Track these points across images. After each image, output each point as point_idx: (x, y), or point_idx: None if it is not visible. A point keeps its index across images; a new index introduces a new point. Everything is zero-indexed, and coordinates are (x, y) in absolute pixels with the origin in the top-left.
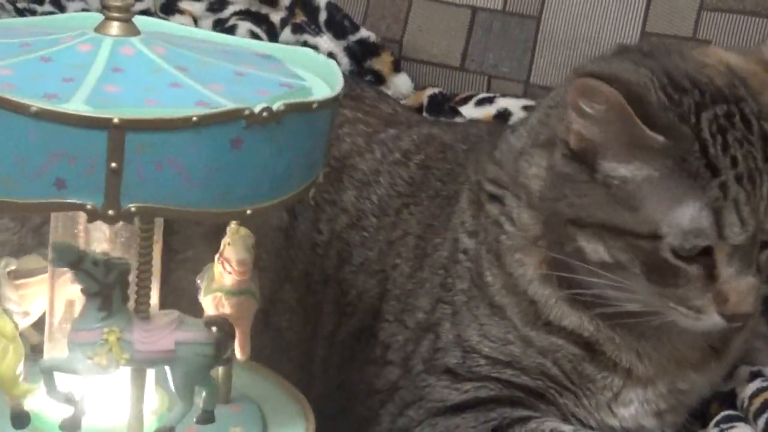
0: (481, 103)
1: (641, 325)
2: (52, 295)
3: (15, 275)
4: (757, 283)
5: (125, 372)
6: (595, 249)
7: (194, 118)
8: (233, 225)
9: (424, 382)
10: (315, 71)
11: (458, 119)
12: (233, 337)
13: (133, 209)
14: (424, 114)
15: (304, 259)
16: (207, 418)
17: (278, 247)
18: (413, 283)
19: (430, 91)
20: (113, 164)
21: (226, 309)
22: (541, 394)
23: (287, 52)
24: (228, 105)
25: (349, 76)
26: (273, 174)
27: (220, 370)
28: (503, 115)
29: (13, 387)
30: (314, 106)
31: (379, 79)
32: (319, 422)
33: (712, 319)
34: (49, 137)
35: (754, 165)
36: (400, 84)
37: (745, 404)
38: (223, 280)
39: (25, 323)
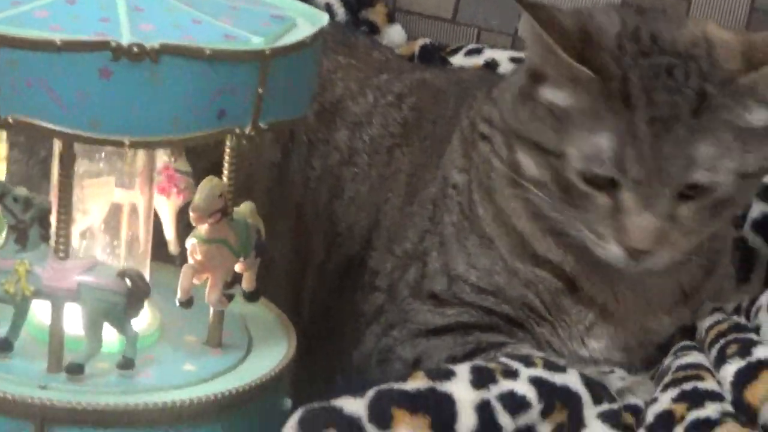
0: (470, 53)
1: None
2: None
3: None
4: (660, 225)
5: None
6: (528, 165)
7: (58, 42)
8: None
9: (409, 306)
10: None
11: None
12: (147, 293)
13: (10, 120)
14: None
15: (296, 193)
16: (125, 364)
17: (271, 181)
18: (403, 216)
19: (421, 42)
20: None
21: (197, 255)
22: (520, 323)
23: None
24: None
25: (344, 26)
26: (154, 111)
27: (211, 316)
28: (491, 65)
29: None
30: (207, 52)
31: (374, 30)
32: (308, 344)
33: (613, 250)
34: None
35: (675, 114)
36: (394, 34)
37: (702, 335)
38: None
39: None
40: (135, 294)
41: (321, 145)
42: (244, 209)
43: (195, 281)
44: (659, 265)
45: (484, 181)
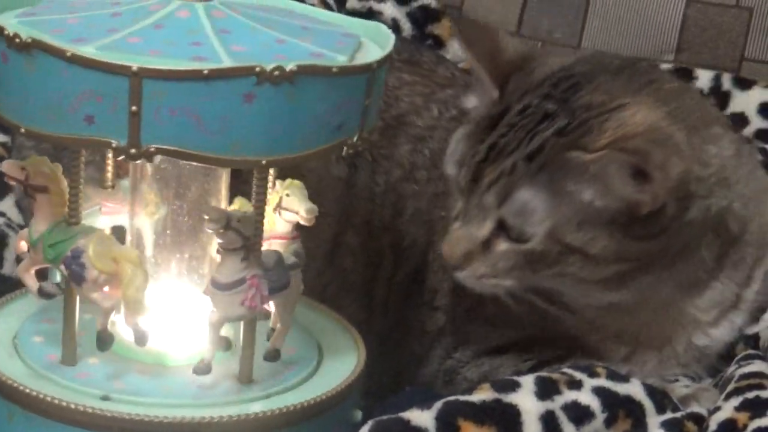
0: None
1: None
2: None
3: None
4: (467, 244)
5: None
6: None
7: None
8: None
9: (467, 327)
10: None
11: None
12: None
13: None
14: None
15: (364, 207)
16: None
17: (339, 195)
18: None
19: None
20: (133, 107)
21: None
22: (574, 336)
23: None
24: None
25: (410, 42)
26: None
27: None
28: None
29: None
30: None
31: (439, 44)
32: (378, 356)
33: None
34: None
35: (513, 150)
36: (459, 48)
37: (765, 344)
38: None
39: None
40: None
41: (384, 161)
42: (105, 243)
43: None
44: (472, 285)
45: None
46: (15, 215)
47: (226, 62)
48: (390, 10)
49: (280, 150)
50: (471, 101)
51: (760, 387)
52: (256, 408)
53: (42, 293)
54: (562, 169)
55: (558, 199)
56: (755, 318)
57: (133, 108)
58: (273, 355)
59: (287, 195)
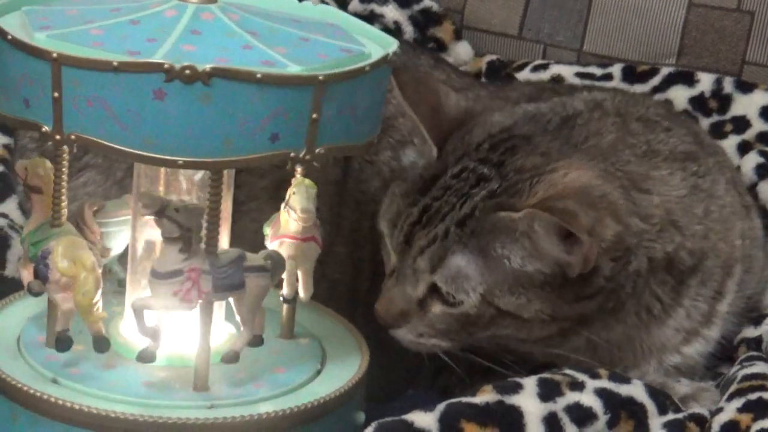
0: (536, 69)
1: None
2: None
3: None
4: (402, 304)
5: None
6: None
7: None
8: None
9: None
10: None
11: None
12: None
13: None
14: (483, 79)
15: (351, 215)
16: None
17: (332, 200)
18: None
19: (488, 58)
20: (55, 93)
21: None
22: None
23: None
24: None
25: (408, 46)
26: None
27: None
28: (556, 81)
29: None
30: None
31: (441, 47)
32: (371, 370)
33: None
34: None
35: (445, 215)
36: (461, 51)
37: (767, 346)
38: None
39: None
40: None
41: (368, 167)
42: (69, 239)
43: None
44: (409, 344)
45: None
46: (18, 217)
47: (156, 59)
48: (392, 13)
49: (198, 152)
50: (408, 157)
51: (763, 389)
52: (259, 410)
53: (29, 290)
54: (492, 231)
55: (489, 264)
56: (739, 323)
57: (55, 94)
58: (230, 358)
59: (293, 193)
